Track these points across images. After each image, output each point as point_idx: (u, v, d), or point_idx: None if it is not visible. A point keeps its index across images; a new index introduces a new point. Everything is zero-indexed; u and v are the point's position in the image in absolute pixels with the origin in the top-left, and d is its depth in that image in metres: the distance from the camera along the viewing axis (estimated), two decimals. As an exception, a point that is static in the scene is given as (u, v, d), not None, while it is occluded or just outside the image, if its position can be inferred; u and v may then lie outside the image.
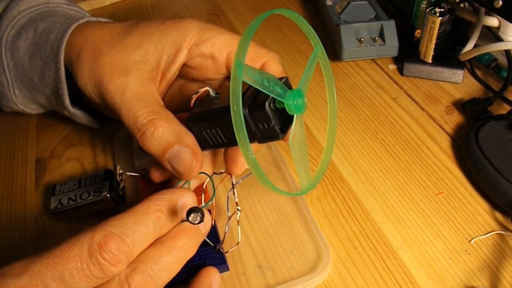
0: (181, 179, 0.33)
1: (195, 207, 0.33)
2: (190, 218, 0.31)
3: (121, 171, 0.38)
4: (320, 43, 0.31)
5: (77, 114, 0.41)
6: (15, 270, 0.23)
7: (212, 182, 0.34)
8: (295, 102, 0.27)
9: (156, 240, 0.27)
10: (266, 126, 0.28)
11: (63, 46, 0.37)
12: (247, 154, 0.25)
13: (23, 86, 0.41)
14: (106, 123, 0.44)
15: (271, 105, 0.28)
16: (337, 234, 0.36)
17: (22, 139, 0.48)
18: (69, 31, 0.37)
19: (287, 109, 0.28)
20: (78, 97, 0.39)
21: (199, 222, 0.32)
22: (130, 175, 0.38)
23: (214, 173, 0.34)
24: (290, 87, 0.29)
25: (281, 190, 0.28)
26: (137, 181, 0.39)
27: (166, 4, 0.69)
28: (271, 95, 0.27)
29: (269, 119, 0.27)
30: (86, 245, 0.24)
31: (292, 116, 0.28)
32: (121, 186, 0.38)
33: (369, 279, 0.33)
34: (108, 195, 0.37)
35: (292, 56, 0.56)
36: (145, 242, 0.26)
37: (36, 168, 0.44)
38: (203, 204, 0.35)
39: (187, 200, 0.29)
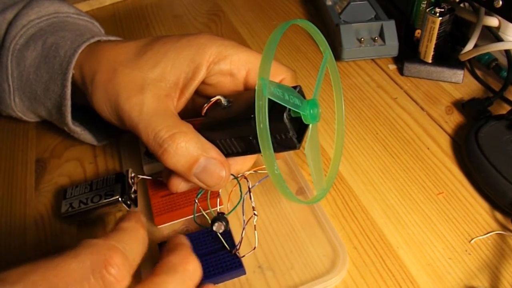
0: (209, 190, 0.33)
1: (220, 214, 0.33)
2: (214, 227, 0.32)
3: (133, 174, 0.38)
4: (329, 49, 0.31)
5: (77, 131, 0.41)
6: (12, 277, 0.22)
7: (240, 185, 0.33)
8: (311, 111, 0.28)
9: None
10: (283, 136, 0.28)
11: (72, 65, 0.37)
12: (273, 170, 0.25)
13: (25, 96, 0.41)
14: (104, 140, 0.44)
15: (288, 115, 0.28)
16: (337, 234, 0.36)
17: (22, 139, 0.48)
18: (79, 50, 0.37)
19: (303, 118, 0.28)
20: (76, 113, 0.40)
21: (223, 231, 0.33)
22: (142, 178, 0.38)
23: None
24: (303, 96, 0.29)
25: (304, 200, 0.29)
26: (147, 185, 0.39)
27: (166, 4, 0.69)
28: (289, 107, 0.27)
29: (287, 130, 0.28)
30: (88, 260, 0.22)
31: (306, 124, 0.29)
32: (133, 189, 0.38)
33: (369, 279, 0.33)
34: (119, 198, 0.36)
35: (291, 56, 0.56)
36: (138, 261, 0.25)
37: (36, 168, 0.44)
38: (209, 208, 0.35)
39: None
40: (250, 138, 0.30)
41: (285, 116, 0.27)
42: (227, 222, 0.33)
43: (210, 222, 0.34)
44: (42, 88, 0.40)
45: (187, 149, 0.30)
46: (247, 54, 0.34)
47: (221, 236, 0.34)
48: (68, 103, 0.38)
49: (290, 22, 0.27)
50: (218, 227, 0.33)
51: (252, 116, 0.28)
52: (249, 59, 0.34)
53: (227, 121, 0.31)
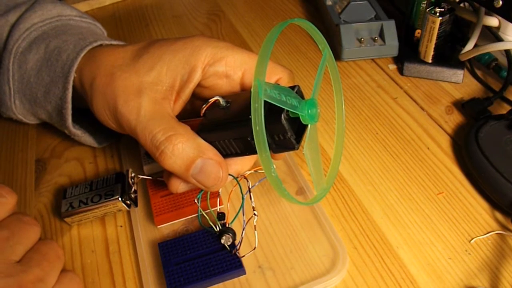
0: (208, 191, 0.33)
1: (227, 228, 0.34)
2: (222, 241, 0.32)
3: (133, 174, 0.38)
4: (328, 47, 0.31)
5: (77, 133, 0.42)
6: None
7: (240, 187, 0.33)
8: (309, 112, 0.28)
9: None
10: (282, 137, 0.28)
11: (74, 68, 0.37)
12: (270, 173, 0.25)
13: (25, 99, 0.41)
14: (104, 142, 0.44)
15: (286, 116, 0.28)
16: (337, 234, 0.36)
17: (22, 139, 0.48)
18: (82, 54, 0.37)
19: (301, 119, 0.28)
20: (76, 116, 0.40)
21: (231, 244, 0.33)
22: (142, 178, 0.38)
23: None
24: (302, 96, 0.29)
25: (303, 201, 0.29)
26: (147, 185, 0.39)
27: (166, 4, 0.69)
28: (286, 108, 0.27)
29: (285, 131, 0.28)
30: None
31: (305, 124, 0.29)
32: (133, 189, 0.38)
33: (369, 279, 0.33)
34: (119, 198, 0.36)
35: (291, 56, 0.56)
36: None
37: (36, 168, 0.44)
38: (209, 208, 0.35)
39: None
40: (249, 139, 0.30)
41: (283, 117, 0.27)
42: (234, 234, 0.33)
43: (210, 223, 0.34)
44: (42, 91, 0.40)
45: (183, 151, 0.30)
46: (242, 55, 0.34)
47: None
48: (69, 106, 0.38)
49: (287, 22, 0.27)
50: (226, 240, 0.33)
51: (250, 117, 0.28)
52: (245, 60, 0.34)
53: (225, 122, 0.31)
